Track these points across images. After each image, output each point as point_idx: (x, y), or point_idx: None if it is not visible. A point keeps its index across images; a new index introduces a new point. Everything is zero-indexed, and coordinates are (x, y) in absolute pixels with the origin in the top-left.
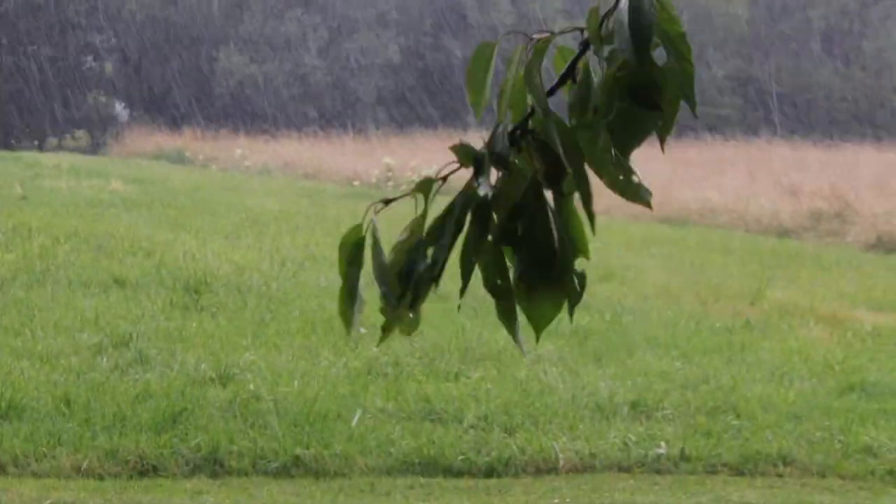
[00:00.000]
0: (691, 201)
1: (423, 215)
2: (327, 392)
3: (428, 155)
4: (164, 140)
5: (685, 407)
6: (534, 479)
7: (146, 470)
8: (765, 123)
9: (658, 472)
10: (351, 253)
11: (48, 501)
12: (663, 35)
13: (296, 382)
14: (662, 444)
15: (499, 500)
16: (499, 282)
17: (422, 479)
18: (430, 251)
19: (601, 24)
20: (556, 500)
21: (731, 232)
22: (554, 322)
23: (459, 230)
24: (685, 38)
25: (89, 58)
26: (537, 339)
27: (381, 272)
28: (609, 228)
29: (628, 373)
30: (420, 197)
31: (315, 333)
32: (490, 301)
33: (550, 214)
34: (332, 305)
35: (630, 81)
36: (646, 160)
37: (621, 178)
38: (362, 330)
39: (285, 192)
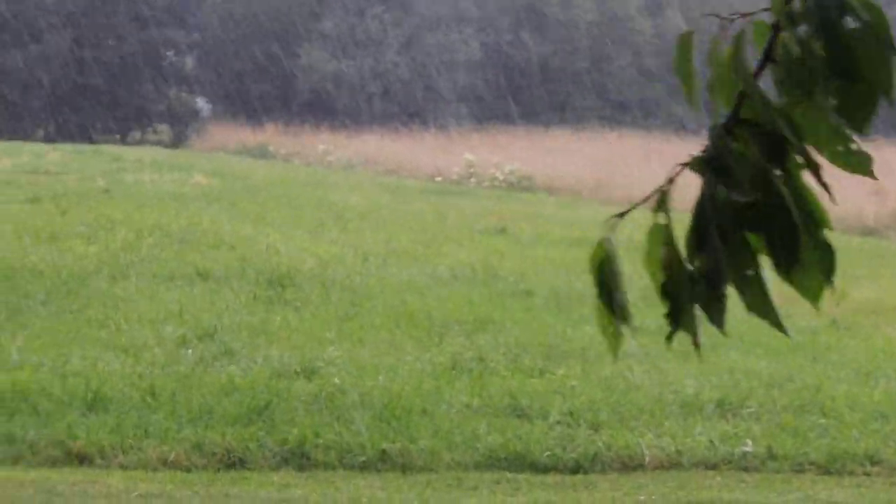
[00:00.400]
0: None
1: (666, 226)
2: (412, 387)
3: (508, 151)
4: (247, 135)
5: (771, 405)
6: (620, 476)
7: (233, 462)
8: None
9: (745, 469)
10: (601, 271)
11: (135, 493)
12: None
13: (380, 377)
14: (748, 442)
15: (585, 496)
16: (749, 272)
17: (508, 475)
18: (695, 263)
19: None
20: (642, 497)
21: None
22: (639, 317)
23: (725, 237)
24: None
25: (170, 53)
26: (816, 309)
27: (618, 291)
28: None
29: (714, 371)
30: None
31: (399, 328)
32: (574, 298)
33: (783, 194)
34: (416, 300)
35: (826, 53)
36: None
37: (841, 149)
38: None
39: (367, 187)
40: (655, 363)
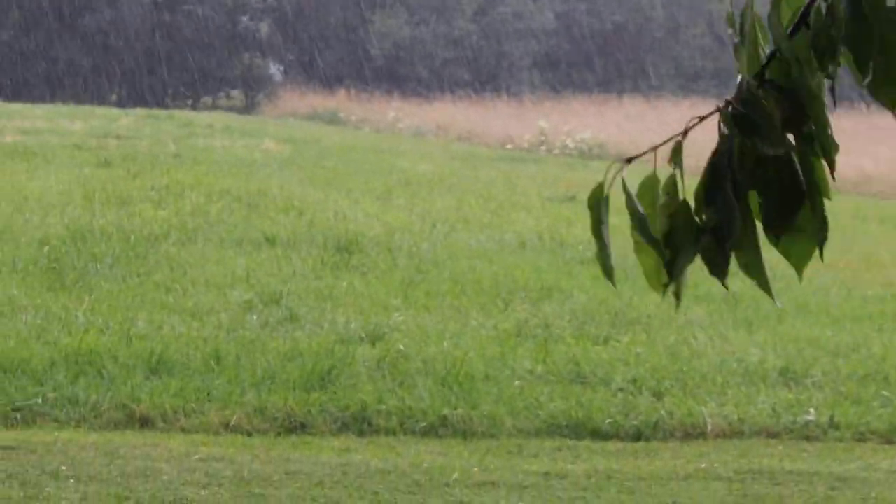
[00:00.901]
0: (846, 170)
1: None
2: (476, 353)
3: (582, 119)
4: (318, 101)
5: (834, 374)
6: (682, 444)
7: (294, 427)
8: None
9: (807, 438)
10: (598, 211)
11: (197, 457)
12: None
13: (445, 343)
14: (811, 410)
15: (646, 463)
16: (744, 234)
17: (569, 442)
18: (704, 216)
19: None
20: (703, 465)
21: (885, 201)
22: (704, 286)
23: (738, 191)
24: None
25: (244, 17)
26: (800, 277)
27: (644, 229)
28: None
29: (778, 339)
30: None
31: (465, 295)
32: (640, 266)
33: (794, 158)
34: (483, 267)
35: (845, 29)
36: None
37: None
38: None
39: (438, 154)
40: (719, 331)
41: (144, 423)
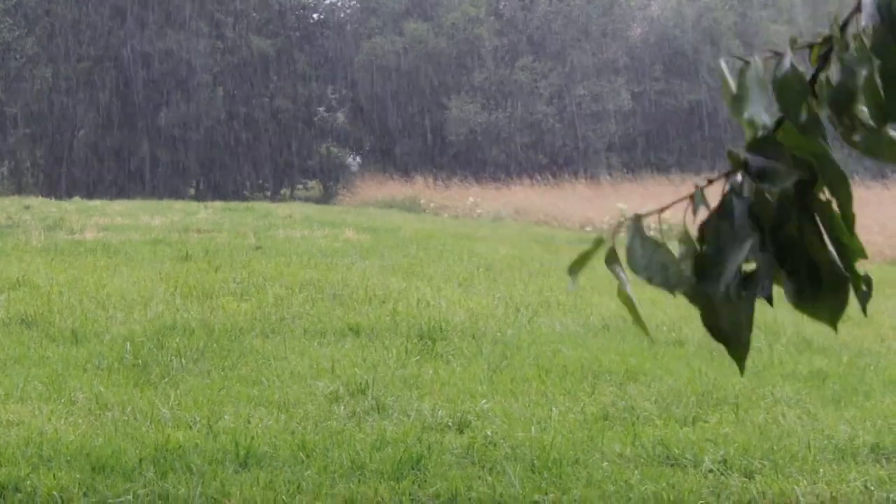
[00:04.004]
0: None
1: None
2: (564, 437)
3: (661, 200)
4: (396, 188)
5: None
6: None
7: None
8: None
9: None
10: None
11: None
12: None
13: (532, 428)
14: None
15: None
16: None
17: None
18: (707, 259)
19: (843, 27)
20: None
21: None
22: (791, 364)
23: (743, 236)
24: None
25: (321, 108)
26: (835, 330)
27: (649, 267)
28: None
29: (867, 415)
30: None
31: (550, 379)
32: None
33: (816, 220)
34: (568, 351)
35: (883, 73)
36: (879, 202)
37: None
38: None
39: (517, 238)
40: (807, 408)
41: None
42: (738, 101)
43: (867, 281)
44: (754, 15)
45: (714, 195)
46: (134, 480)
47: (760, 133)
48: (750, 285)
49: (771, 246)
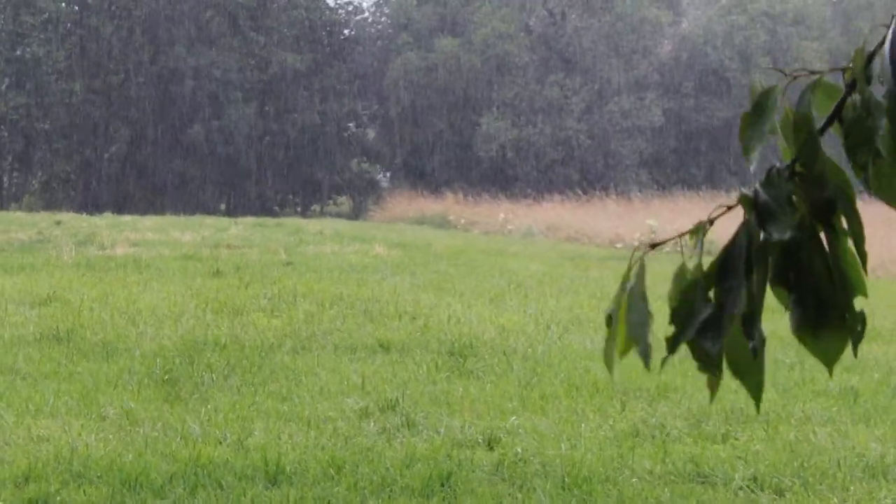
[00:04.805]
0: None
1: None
2: (594, 455)
3: (691, 216)
4: (426, 204)
5: None
6: None
7: None
8: None
9: None
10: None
11: None
12: None
13: (562, 445)
14: None
15: None
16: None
17: None
18: (710, 293)
19: (868, 64)
20: None
21: None
22: (821, 381)
23: (749, 271)
24: None
25: (351, 125)
26: (830, 373)
27: (636, 318)
28: (874, 288)
29: None
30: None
31: (580, 396)
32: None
33: (827, 253)
34: (598, 368)
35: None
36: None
37: None
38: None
39: (548, 254)
40: (838, 426)
41: None
42: (748, 142)
43: (862, 319)
44: (785, 31)
45: (733, 220)
46: (164, 497)
47: (774, 171)
48: (755, 323)
49: (781, 273)
